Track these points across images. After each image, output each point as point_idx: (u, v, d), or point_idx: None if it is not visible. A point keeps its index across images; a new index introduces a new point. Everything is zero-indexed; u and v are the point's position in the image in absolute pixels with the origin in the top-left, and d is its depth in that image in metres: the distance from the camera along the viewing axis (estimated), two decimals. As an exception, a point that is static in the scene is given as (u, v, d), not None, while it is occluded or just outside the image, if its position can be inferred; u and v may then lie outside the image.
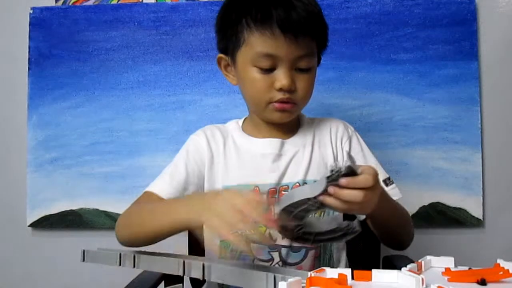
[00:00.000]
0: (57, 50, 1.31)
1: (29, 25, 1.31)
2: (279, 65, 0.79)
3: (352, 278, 0.52)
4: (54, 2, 1.33)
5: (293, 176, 0.85)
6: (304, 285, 0.48)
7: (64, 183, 1.29)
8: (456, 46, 1.26)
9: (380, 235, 0.86)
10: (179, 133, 1.28)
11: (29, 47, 1.31)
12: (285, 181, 0.85)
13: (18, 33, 1.32)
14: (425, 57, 1.26)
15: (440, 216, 1.24)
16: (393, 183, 0.88)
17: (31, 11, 1.31)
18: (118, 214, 1.26)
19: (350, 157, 0.61)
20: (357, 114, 1.26)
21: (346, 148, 0.91)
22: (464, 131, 1.25)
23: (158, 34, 1.30)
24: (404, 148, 1.26)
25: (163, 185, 0.85)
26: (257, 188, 0.83)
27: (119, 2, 1.32)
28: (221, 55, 0.88)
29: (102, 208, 1.28)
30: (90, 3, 1.32)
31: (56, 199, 1.28)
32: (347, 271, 0.51)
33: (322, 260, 0.83)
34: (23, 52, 1.31)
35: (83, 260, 0.75)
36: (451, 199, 1.24)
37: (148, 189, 0.86)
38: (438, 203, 1.25)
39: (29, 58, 1.31)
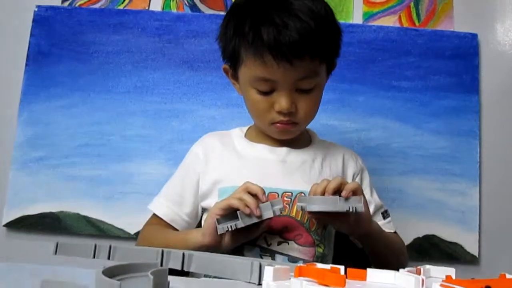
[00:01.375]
0: (57, 49, 1.29)
1: (33, 22, 1.30)
2: (278, 88, 0.76)
3: (346, 276, 0.47)
4: (60, 2, 1.33)
5: (300, 184, 0.81)
6: (292, 274, 0.44)
7: (47, 183, 1.23)
8: (457, 79, 1.26)
9: (371, 260, 0.85)
10: (172, 141, 1.24)
11: (29, 44, 1.29)
12: (289, 187, 0.80)
13: (20, 30, 1.31)
14: (426, 87, 1.26)
15: (434, 250, 1.20)
16: (389, 216, 0.90)
17: (36, 9, 1.31)
18: (99, 221, 1.22)
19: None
20: (355, 138, 1.24)
21: (357, 179, 0.90)
22: (462, 163, 1.23)
23: (161, 41, 1.29)
24: (401, 176, 1.23)
25: (160, 207, 0.87)
26: None
27: (125, 8, 1.32)
28: (226, 66, 0.86)
29: (83, 213, 1.22)
30: (96, 6, 1.33)
31: (37, 200, 1.22)
32: (340, 268, 0.47)
33: None
34: (23, 48, 1.29)
35: (55, 253, 0.70)
36: (447, 232, 1.20)
37: (151, 208, 0.88)
38: (433, 235, 1.20)
39: (27, 55, 1.29)
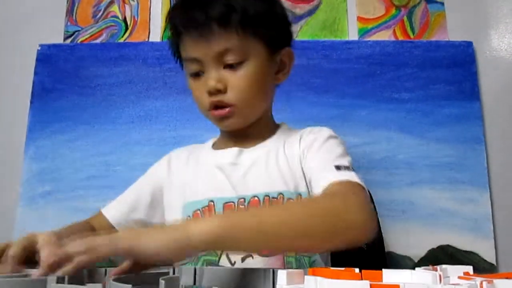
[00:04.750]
0: (61, 84, 1.32)
1: (36, 60, 1.33)
2: (205, 68, 0.76)
3: (361, 277, 0.47)
4: (62, 40, 1.36)
5: (252, 188, 0.77)
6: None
7: (55, 217, 1.23)
8: (457, 87, 1.27)
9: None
10: (178, 168, 1.24)
11: (33, 82, 1.32)
12: (243, 193, 0.76)
13: (24, 68, 1.34)
14: (427, 96, 1.27)
15: (451, 260, 1.17)
16: (347, 170, 0.70)
17: (39, 48, 1.34)
18: (109, 252, 1.20)
19: None
20: (360, 152, 1.24)
21: (302, 147, 0.79)
22: (470, 170, 1.22)
23: (162, 71, 1.31)
24: (409, 187, 1.21)
25: (112, 208, 0.86)
26: (212, 203, 0.77)
27: (126, 41, 1.35)
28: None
29: (92, 245, 1.21)
30: (97, 41, 1.36)
31: (45, 235, 1.22)
32: (355, 269, 0.46)
33: None
34: (27, 86, 1.32)
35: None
36: (461, 241, 1.18)
37: (102, 209, 0.87)
38: (447, 245, 1.18)
39: (32, 92, 1.31)
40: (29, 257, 0.55)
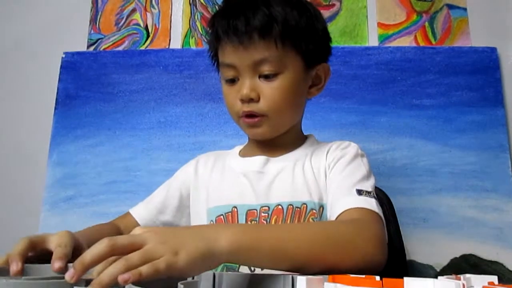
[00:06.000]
0: (84, 91, 1.35)
1: (60, 67, 1.36)
2: (241, 75, 0.77)
3: (382, 284, 0.46)
4: (86, 47, 1.39)
5: (277, 197, 0.78)
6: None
7: (77, 222, 1.25)
8: (480, 93, 1.25)
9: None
10: (197, 173, 1.25)
11: (58, 89, 1.35)
12: (266, 202, 0.77)
13: (49, 75, 1.37)
14: (449, 103, 1.25)
15: (474, 270, 1.14)
16: (368, 195, 0.71)
17: (64, 55, 1.37)
18: (129, 257, 1.21)
19: None
20: (380, 159, 1.22)
21: (328, 161, 0.80)
22: (494, 178, 1.19)
23: (182, 77, 1.33)
24: (432, 195, 1.19)
25: (140, 209, 0.87)
26: (235, 209, 0.78)
27: (147, 48, 1.37)
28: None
29: (113, 250, 1.22)
30: (120, 48, 1.38)
31: (67, 239, 1.24)
32: (375, 276, 0.46)
33: None
34: (52, 93, 1.35)
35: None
36: (485, 251, 1.15)
37: (130, 210, 0.88)
38: (471, 255, 1.15)
39: (56, 99, 1.35)
40: (36, 256, 0.55)
